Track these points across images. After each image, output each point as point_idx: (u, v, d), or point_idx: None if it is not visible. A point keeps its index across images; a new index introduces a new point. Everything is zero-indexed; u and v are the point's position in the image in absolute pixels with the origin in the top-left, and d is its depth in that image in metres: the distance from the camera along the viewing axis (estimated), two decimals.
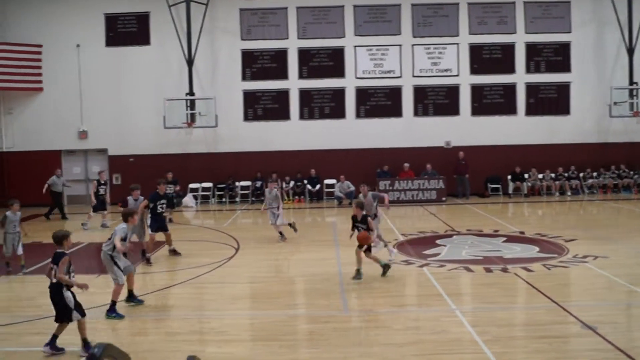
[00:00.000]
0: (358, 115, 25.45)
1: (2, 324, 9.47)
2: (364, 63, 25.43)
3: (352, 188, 23.88)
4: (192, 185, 25.08)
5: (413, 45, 25.24)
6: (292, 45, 25.39)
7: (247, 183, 25.23)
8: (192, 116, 23.81)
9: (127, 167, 25.13)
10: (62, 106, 25.52)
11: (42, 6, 25.40)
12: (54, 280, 8.01)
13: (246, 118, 25.53)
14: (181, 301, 10.81)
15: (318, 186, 24.98)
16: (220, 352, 8.06)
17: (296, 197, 24.89)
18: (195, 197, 24.84)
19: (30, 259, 13.33)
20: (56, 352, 8.03)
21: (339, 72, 25.45)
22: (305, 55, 25.44)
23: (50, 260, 8.17)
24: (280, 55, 25.49)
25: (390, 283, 11.44)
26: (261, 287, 11.31)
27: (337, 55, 25.44)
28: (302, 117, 25.50)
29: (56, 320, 8.09)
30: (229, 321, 9.47)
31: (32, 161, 24.91)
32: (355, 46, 25.30)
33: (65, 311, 8.03)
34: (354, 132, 25.23)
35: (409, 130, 25.23)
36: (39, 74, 25.63)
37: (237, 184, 25.19)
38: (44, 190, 21.20)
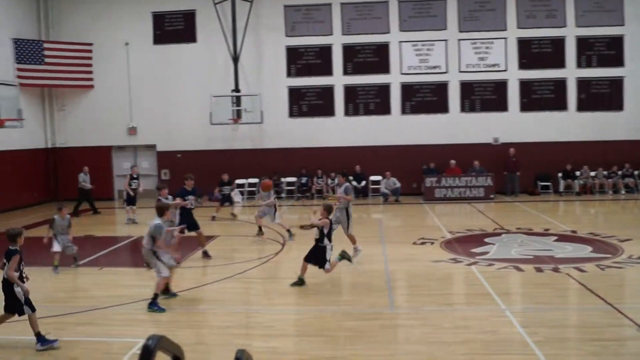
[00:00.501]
0: (403, 112, 25.22)
1: (58, 314, 9.73)
2: (409, 58, 25.18)
3: (398, 185, 23.70)
4: (238, 181, 25.20)
5: (459, 40, 24.87)
6: (337, 41, 25.29)
7: (293, 179, 25.28)
8: (238, 112, 23.95)
9: (175, 162, 25.44)
10: (112, 103, 25.98)
11: (93, 6, 25.87)
12: (5, 276, 8.14)
13: (291, 114, 25.55)
14: (228, 295, 10.89)
15: (363, 182, 24.85)
16: (267, 346, 8.09)
17: None
18: (242, 193, 24.98)
19: (83, 252, 13.62)
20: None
21: (384, 68, 25.25)
22: (349, 51, 25.32)
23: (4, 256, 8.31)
24: (325, 52, 25.42)
25: (437, 281, 11.31)
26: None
27: (382, 51, 25.24)
28: (347, 113, 25.40)
29: (6, 311, 8.25)
30: (275, 316, 9.52)
31: (84, 157, 25.33)
32: (400, 41, 25.06)
33: (16, 304, 8.16)
34: (399, 129, 25.01)
35: (455, 127, 24.88)
36: (90, 72, 26.13)
37: (282, 180, 25.25)
38: (85, 188, 21.52)
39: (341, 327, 9.01)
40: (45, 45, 24.97)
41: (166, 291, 10.36)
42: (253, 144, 25.59)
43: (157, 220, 10.11)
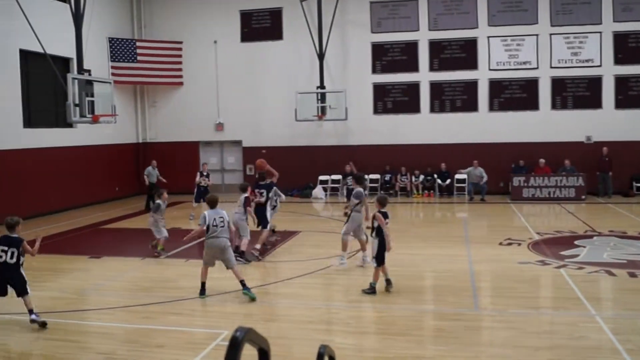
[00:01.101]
0: (491, 109, 24.63)
1: (146, 303, 10.10)
2: (498, 54, 24.56)
3: (486, 177, 23.11)
4: (321, 177, 25.36)
5: (551, 34, 24.04)
6: (423, 37, 24.96)
7: (376, 176, 25.17)
8: (323, 109, 24.08)
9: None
10: (200, 99, 26.69)
11: (184, 5, 26.65)
12: (12, 261, 8.83)
13: (376, 111, 25.44)
14: (310, 291, 10.98)
15: (448, 181, 24.46)
16: (348, 343, 8.09)
17: (425, 191, 24.51)
18: (325, 189, 25.10)
19: (170, 244, 14.03)
20: (38, 320, 8.88)
21: (472, 63, 24.74)
22: (436, 47, 24.95)
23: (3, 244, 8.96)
24: (411, 48, 25.16)
25: (524, 283, 10.99)
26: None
27: (469, 46, 24.75)
28: (432, 110, 25.05)
29: (19, 295, 8.88)
30: (356, 313, 9.52)
31: (173, 152, 26.29)
32: (489, 37, 24.47)
33: (24, 285, 8.88)
34: (486, 126, 24.45)
35: (545, 124, 24.07)
36: (180, 69, 26.92)
37: (366, 176, 25.16)
38: (146, 182, 21.54)
39: (423, 327, 8.96)
40: (138, 44, 25.90)
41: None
42: (337, 140, 25.66)
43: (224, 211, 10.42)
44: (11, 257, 8.87)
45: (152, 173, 21.66)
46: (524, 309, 9.43)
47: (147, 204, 21.40)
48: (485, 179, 23.18)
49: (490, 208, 21.42)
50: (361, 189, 12.63)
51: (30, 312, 8.84)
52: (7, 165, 19.18)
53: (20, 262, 8.95)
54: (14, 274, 8.88)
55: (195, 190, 19.83)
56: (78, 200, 22.65)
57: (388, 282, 10.52)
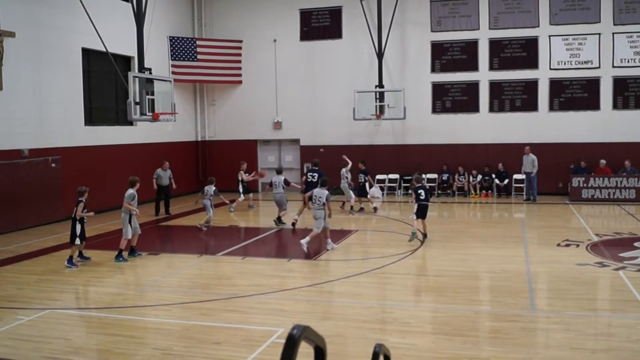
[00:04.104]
0: (551, 108, 24.31)
1: (202, 300, 10.40)
2: (559, 53, 24.20)
3: (536, 168, 22.64)
4: (379, 177, 25.46)
5: (614, 33, 23.54)
6: (483, 35, 24.78)
7: (434, 175, 25.14)
8: (381, 108, 24.16)
9: (317, 157, 25.99)
10: (258, 98, 27.09)
11: (244, 4, 27.09)
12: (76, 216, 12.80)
13: (434, 110, 25.40)
14: (366, 290, 11.14)
15: (506, 181, 24.26)
16: (403, 342, 8.19)
17: (483, 191, 24.37)
18: (382, 188, 25.20)
19: (227, 241, 14.40)
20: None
21: (532, 63, 24.44)
22: (496, 46, 24.74)
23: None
24: (471, 47, 25.01)
25: (582, 285, 10.97)
26: (446, 281, 11.33)
27: (530, 45, 24.45)
28: (491, 109, 24.86)
29: (79, 242, 12.95)
30: (412, 313, 9.60)
31: (230, 150, 26.77)
32: (550, 36, 24.14)
33: (73, 236, 12.84)
34: (546, 126, 24.14)
35: (606, 125, 23.63)
36: (239, 68, 27.41)
37: (423, 176, 25.17)
38: (154, 186, 20.56)
39: (480, 327, 9.04)
40: (199, 42, 26.46)
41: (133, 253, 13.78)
42: (395, 139, 25.74)
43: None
44: (75, 213, 12.86)
45: (161, 175, 20.56)
46: (582, 311, 9.45)
47: (156, 210, 20.65)
48: (535, 169, 22.74)
49: (549, 209, 21.21)
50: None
51: (70, 258, 12.88)
52: (68, 162, 19.67)
53: (76, 216, 12.76)
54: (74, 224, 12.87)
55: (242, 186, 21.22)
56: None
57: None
